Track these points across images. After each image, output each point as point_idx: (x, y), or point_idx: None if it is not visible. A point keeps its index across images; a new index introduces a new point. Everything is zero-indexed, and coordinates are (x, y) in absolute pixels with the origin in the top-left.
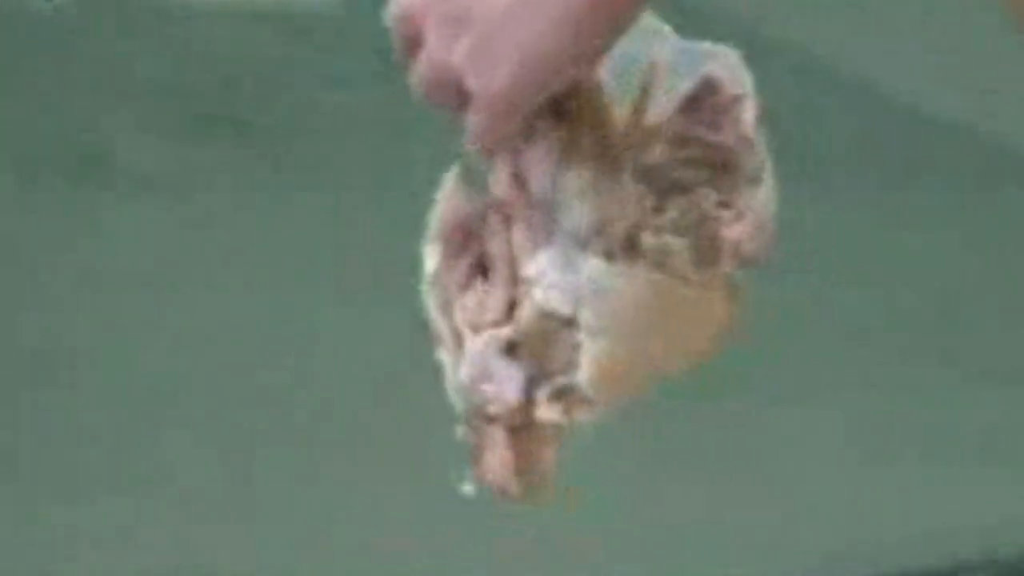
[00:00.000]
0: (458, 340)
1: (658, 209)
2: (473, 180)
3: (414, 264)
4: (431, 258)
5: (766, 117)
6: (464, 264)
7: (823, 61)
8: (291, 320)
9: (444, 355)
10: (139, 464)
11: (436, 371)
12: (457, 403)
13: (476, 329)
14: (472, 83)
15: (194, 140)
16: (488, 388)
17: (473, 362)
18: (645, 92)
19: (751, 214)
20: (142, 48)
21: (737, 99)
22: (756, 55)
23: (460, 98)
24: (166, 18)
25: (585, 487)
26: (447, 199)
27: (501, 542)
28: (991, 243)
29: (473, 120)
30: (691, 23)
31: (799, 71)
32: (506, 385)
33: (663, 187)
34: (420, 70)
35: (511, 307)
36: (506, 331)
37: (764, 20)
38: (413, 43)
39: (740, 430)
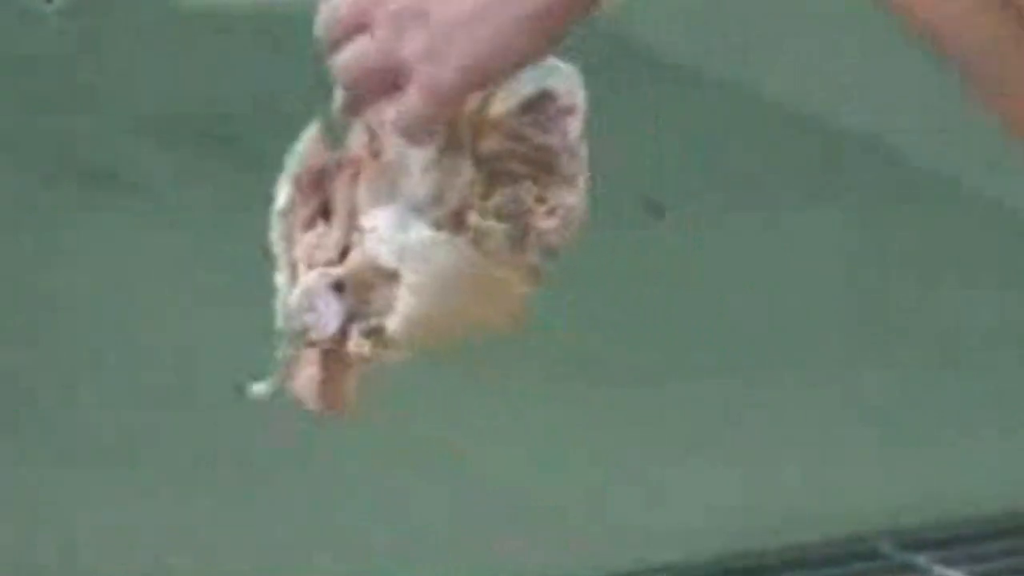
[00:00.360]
0: (294, 270)
1: (485, 194)
2: (332, 135)
3: None
4: (283, 194)
5: (692, 139)
6: (311, 206)
7: (744, 86)
8: None
9: (280, 280)
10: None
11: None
12: (282, 322)
13: (311, 264)
14: (420, 74)
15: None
16: (311, 317)
17: (303, 292)
18: (492, 90)
19: (562, 211)
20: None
21: (568, 110)
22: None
23: (388, 87)
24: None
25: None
26: (306, 146)
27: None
28: (896, 251)
29: (411, 105)
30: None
31: (720, 93)
32: (328, 317)
33: (493, 175)
34: (357, 55)
35: (344, 251)
36: (336, 271)
37: (683, 46)
38: (352, 30)
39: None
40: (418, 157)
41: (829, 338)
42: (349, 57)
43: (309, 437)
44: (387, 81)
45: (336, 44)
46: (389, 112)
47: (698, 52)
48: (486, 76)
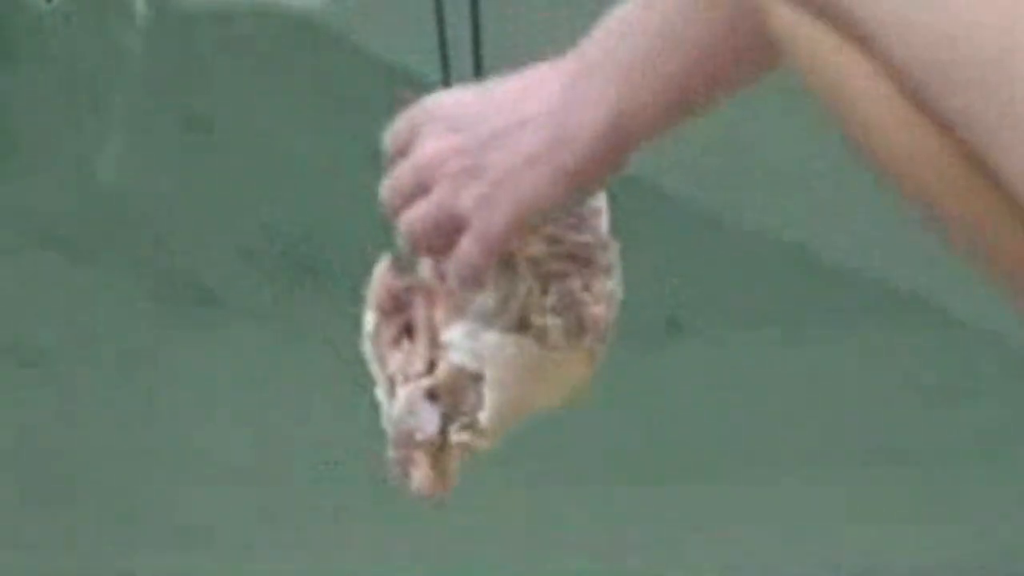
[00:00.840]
0: (391, 385)
1: (541, 295)
2: (402, 265)
3: None
4: (369, 321)
5: (664, 266)
6: (395, 327)
7: (714, 212)
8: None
9: (379, 394)
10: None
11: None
12: (389, 432)
13: (405, 378)
14: (474, 224)
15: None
16: (414, 422)
17: (404, 402)
18: None
19: (606, 298)
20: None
21: (596, 211)
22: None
23: (448, 241)
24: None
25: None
26: (381, 277)
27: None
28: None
29: (465, 255)
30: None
31: (693, 222)
32: (427, 421)
33: (543, 276)
34: (420, 215)
35: (431, 364)
36: (427, 381)
37: (662, 177)
38: (413, 193)
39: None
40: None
41: (820, 443)
42: (412, 218)
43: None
44: (446, 233)
45: (399, 209)
46: (448, 264)
47: (712, 195)
48: (528, 222)
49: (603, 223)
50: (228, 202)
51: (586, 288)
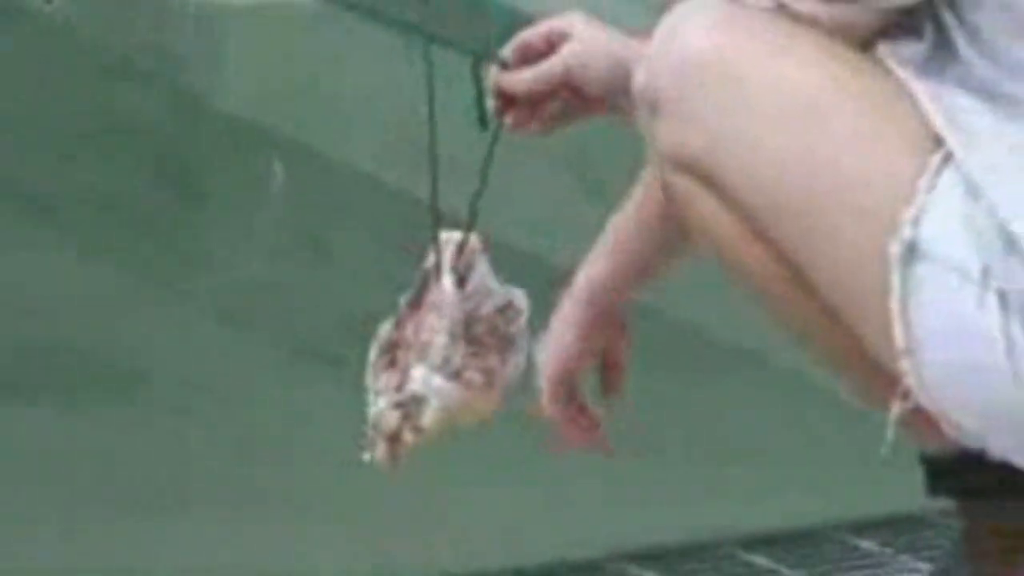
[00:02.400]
0: (375, 395)
1: (473, 357)
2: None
3: None
4: (373, 354)
5: None
6: (385, 360)
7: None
8: None
9: (370, 400)
10: None
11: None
12: (370, 421)
13: (384, 391)
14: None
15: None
16: (383, 421)
17: (379, 407)
18: (479, 299)
19: (515, 370)
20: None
21: (520, 312)
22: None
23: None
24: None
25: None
26: (384, 331)
27: None
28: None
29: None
30: None
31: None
32: (390, 421)
33: (479, 348)
34: None
35: (400, 386)
36: (396, 396)
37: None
38: None
39: None
40: (438, 343)
41: None
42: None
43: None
44: None
45: None
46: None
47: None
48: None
49: (523, 322)
50: None
51: (503, 362)
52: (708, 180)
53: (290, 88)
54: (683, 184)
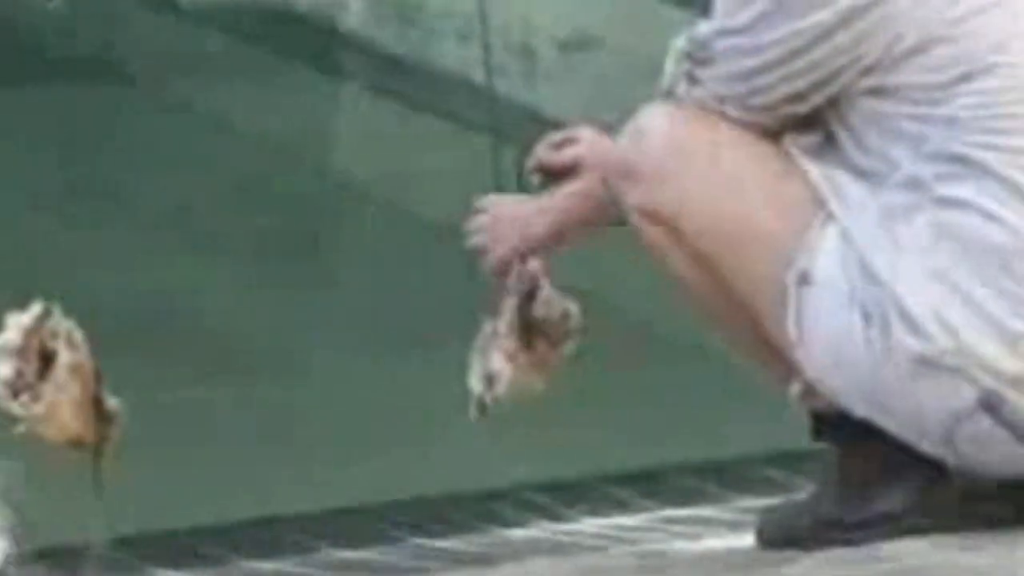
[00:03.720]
0: (473, 371)
1: (532, 350)
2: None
3: None
4: (486, 329)
5: None
6: (481, 347)
7: None
8: None
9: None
10: None
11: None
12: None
13: (477, 369)
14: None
15: None
16: (474, 387)
17: (472, 379)
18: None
19: (559, 361)
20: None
21: (571, 319)
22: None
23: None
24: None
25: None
26: (485, 329)
27: None
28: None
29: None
30: None
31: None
32: (479, 388)
33: (531, 335)
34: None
35: (487, 365)
36: (484, 373)
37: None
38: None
39: None
40: (500, 334)
41: None
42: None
43: None
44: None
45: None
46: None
47: None
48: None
49: (574, 324)
50: None
51: (553, 354)
52: (667, 224)
53: None
54: (650, 229)
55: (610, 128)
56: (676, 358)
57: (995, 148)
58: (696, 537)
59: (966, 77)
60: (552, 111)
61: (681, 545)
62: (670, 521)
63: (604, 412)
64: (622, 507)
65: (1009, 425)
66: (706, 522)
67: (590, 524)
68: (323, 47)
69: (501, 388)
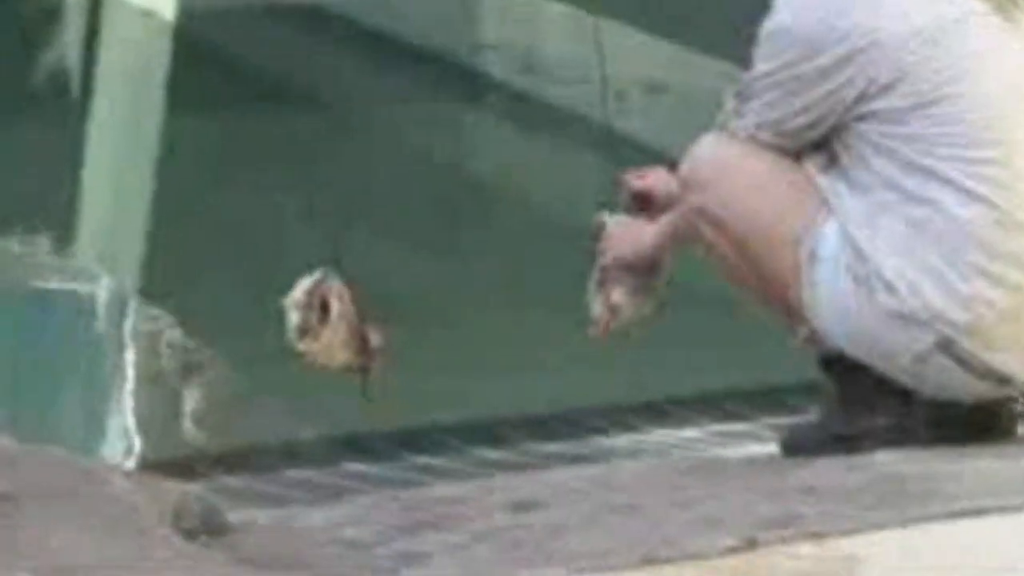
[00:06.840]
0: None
1: (633, 293)
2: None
3: None
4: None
5: None
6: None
7: None
8: None
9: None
10: None
11: None
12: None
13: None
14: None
15: None
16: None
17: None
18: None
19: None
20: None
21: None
22: None
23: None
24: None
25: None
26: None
27: None
28: None
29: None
30: None
31: None
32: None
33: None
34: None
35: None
36: (604, 302)
37: None
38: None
39: None
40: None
41: None
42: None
43: None
44: None
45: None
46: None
47: None
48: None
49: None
50: None
51: (650, 295)
52: (714, 222)
53: None
54: (702, 223)
55: (675, 166)
56: (720, 311)
57: (956, 159)
58: (738, 446)
59: (922, 105)
60: (640, 139)
61: (727, 452)
62: (720, 435)
63: (670, 350)
64: (683, 422)
65: (962, 362)
66: (744, 435)
67: (660, 434)
68: (476, 92)
69: (625, 316)
